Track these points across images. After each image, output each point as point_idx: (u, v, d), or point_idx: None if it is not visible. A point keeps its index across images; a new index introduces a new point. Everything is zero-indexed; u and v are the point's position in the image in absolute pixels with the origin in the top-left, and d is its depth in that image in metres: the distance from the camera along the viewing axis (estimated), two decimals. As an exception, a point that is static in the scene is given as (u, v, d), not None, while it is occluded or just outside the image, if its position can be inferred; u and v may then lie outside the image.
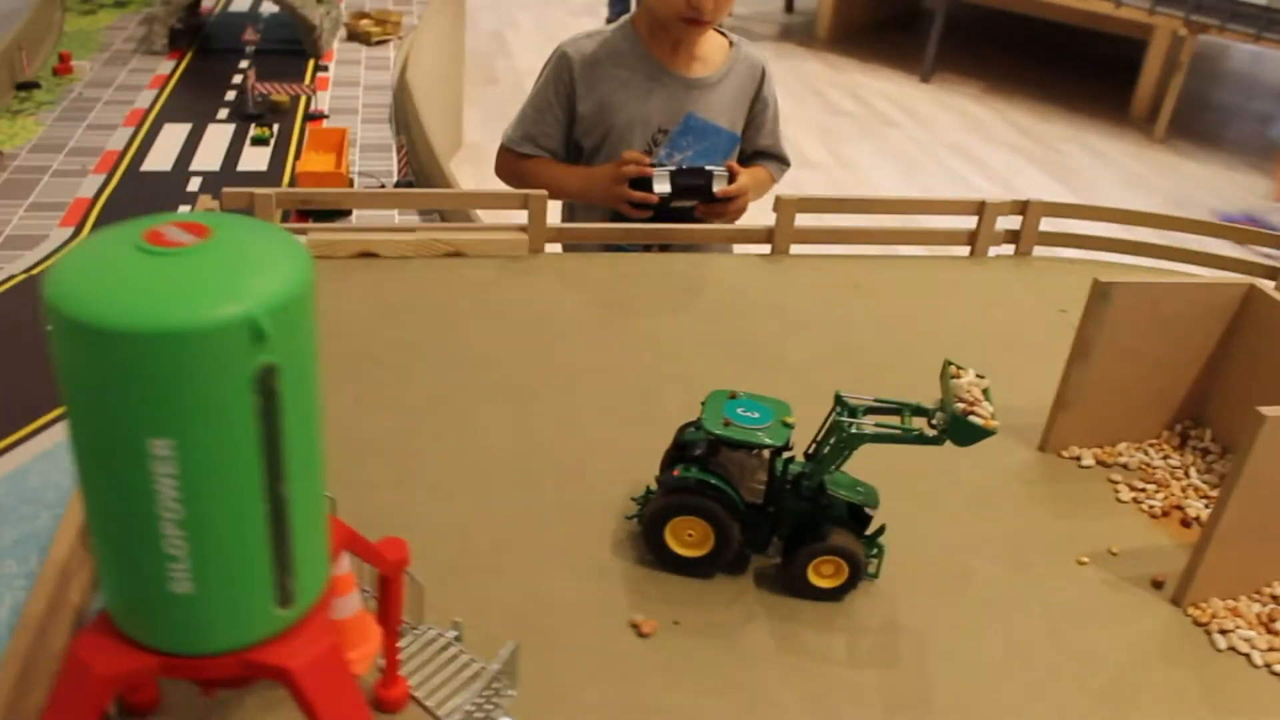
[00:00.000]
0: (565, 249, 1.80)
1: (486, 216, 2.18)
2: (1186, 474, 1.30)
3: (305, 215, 2.44)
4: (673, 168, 1.74)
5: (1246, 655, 1.05)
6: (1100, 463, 1.31)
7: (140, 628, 0.68)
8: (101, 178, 2.82)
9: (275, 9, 3.93)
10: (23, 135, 3.07)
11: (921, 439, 1.00)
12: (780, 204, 1.68)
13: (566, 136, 1.90)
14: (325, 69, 3.73)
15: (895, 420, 1.02)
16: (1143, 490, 1.27)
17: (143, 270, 0.59)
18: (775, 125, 1.97)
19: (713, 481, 1.03)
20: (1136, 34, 6.85)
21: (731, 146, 1.89)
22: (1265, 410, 0.99)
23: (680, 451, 1.08)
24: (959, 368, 1.04)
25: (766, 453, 1.03)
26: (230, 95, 3.42)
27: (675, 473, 1.04)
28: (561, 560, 1.07)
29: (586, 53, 1.85)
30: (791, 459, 1.06)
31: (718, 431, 1.01)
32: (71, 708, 0.68)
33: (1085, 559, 1.15)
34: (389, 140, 3.15)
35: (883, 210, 1.75)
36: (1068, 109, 6.75)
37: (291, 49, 3.86)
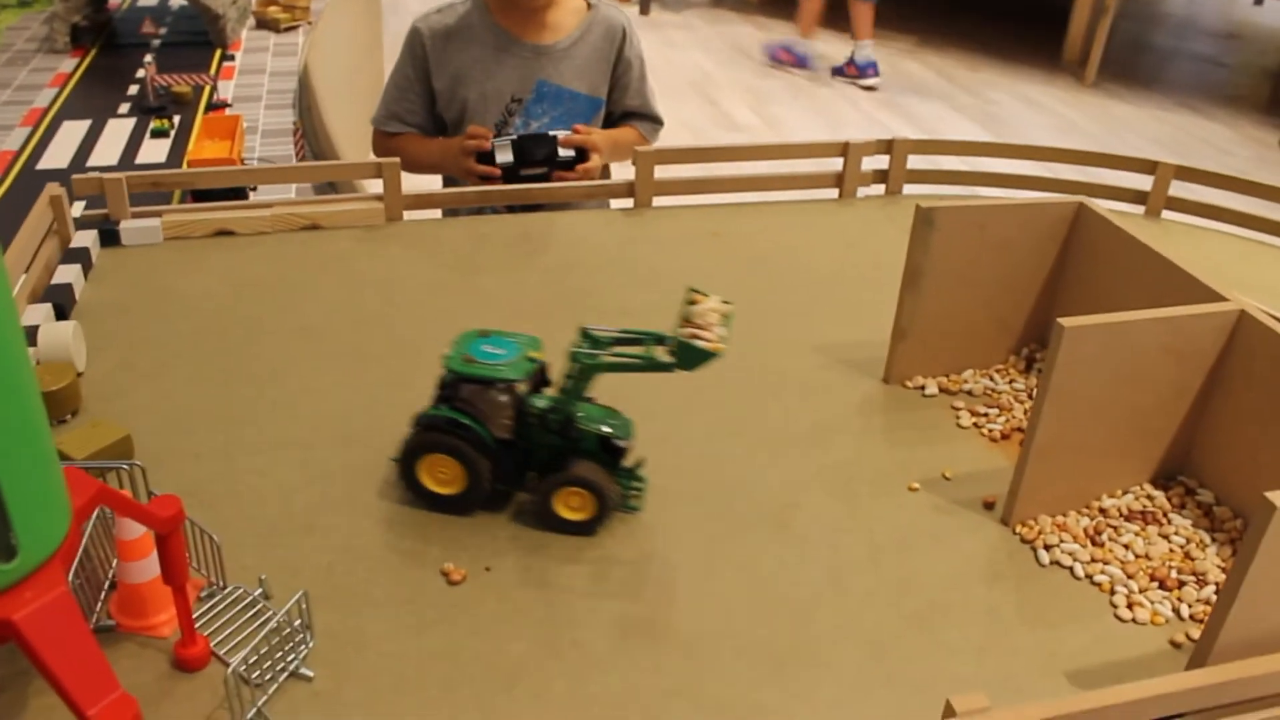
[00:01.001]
0: (445, 214, 1.78)
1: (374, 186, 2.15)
2: (1030, 396, 1.30)
3: (200, 197, 2.41)
4: (515, 137, 1.74)
5: (1069, 569, 1.05)
6: (944, 391, 1.31)
7: None
8: (-5, 179, 2.78)
9: (183, 1, 3.88)
10: (-83, 141, 3.03)
11: (655, 365, 1.01)
12: (639, 157, 1.67)
13: (430, 111, 1.90)
14: (232, 58, 3.70)
15: (639, 350, 1.03)
16: (984, 415, 1.26)
17: None
18: (643, 84, 1.96)
19: (460, 420, 1.03)
20: (1065, -20, 6.86)
21: (593, 110, 1.88)
22: (1065, 321, 0.99)
23: (441, 392, 1.09)
24: (700, 294, 1.05)
25: (522, 388, 1.04)
26: (133, 90, 3.37)
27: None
28: (378, 515, 1.06)
29: (437, 28, 1.85)
30: (541, 395, 1.06)
31: (458, 368, 1.03)
32: None
33: (916, 485, 1.15)
34: (291, 125, 3.12)
35: (746, 157, 1.74)
36: (1000, 58, 6.76)
37: (198, 40, 3.82)
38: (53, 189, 1.55)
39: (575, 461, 1.04)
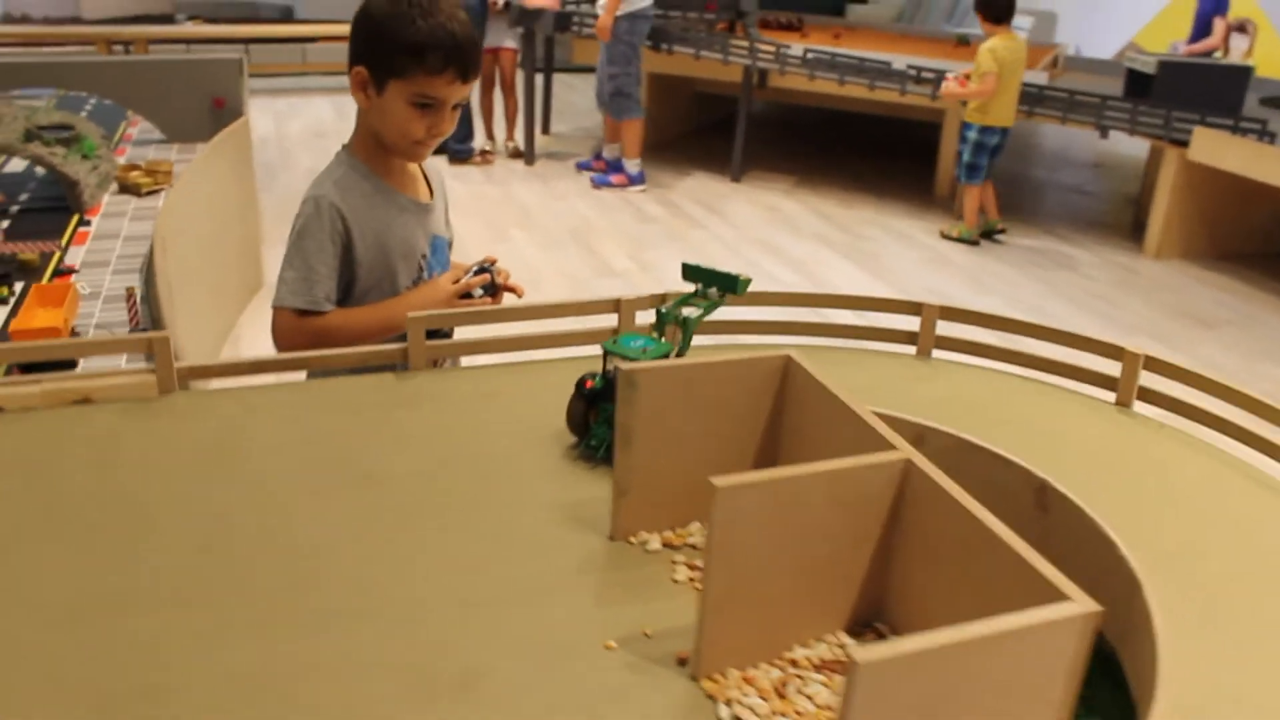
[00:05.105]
0: (310, 377, 1.79)
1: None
2: (751, 547, 1.33)
3: (27, 370, 2.42)
4: (477, 270, 1.96)
5: (750, 724, 1.07)
6: (668, 545, 1.34)
7: None
8: None
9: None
10: None
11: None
12: (410, 323, 1.71)
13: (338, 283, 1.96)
14: (88, 223, 3.72)
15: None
16: (701, 569, 1.30)
17: None
18: (448, 216, 2.14)
19: None
20: (933, 118, 7.17)
21: (447, 252, 2.03)
22: (717, 481, 1.04)
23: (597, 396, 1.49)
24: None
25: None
26: (-20, 258, 3.38)
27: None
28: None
29: (350, 197, 1.91)
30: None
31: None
32: None
33: (613, 644, 1.17)
34: (140, 290, 3.14)
35: (518, 318, 1.79)
36: (873, 195, 7.00)
37: (57, 205, 3.85)
38: None
39: None
